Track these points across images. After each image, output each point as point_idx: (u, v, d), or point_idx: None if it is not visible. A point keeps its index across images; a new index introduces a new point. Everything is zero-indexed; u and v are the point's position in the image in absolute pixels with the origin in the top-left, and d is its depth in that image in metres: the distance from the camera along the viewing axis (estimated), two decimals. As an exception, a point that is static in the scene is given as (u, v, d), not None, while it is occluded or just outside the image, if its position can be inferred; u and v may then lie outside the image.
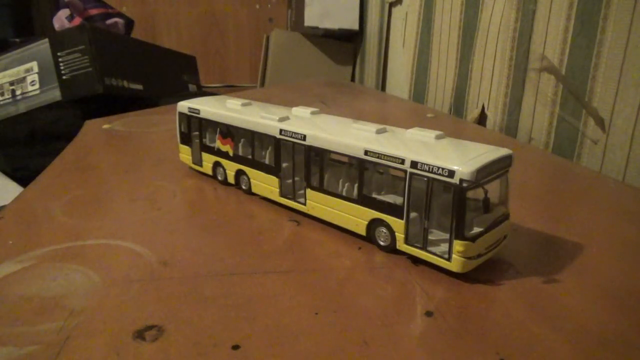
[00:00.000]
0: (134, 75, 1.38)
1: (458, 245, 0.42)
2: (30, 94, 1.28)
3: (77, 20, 1.66)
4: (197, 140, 0.68)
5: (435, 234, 0.45)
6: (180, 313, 0.39)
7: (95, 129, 0.99)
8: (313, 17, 1.78)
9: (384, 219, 0.47)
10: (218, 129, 0.64)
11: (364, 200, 0.49)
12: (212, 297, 0.41)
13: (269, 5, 2.50)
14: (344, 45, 1.96)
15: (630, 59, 0.72)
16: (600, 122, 0.78)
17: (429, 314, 0.39)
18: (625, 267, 0.47)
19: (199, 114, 0.66)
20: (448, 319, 0.38)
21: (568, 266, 0.46)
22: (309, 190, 0.54)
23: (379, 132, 0.51)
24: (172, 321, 0.38)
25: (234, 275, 0.44)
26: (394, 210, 0.46)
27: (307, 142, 0.53)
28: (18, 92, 1.29)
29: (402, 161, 0.45)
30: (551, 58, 0.88)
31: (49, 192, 0.65)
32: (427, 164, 0.43)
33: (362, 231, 0.50)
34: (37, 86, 1.28)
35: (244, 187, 0.63)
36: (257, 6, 2.50)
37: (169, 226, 0.54)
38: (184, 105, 0.68)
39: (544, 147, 0.90)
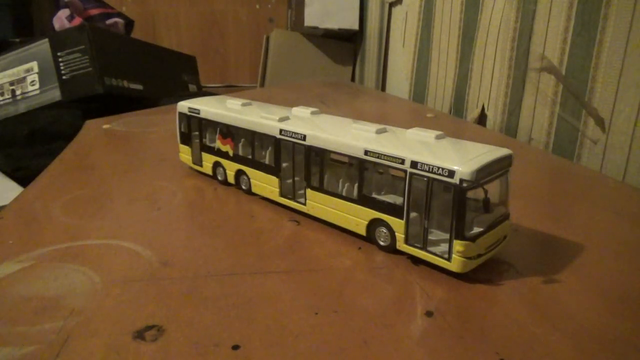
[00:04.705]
0: (134, 75, 1.38)
1: (458, 245, 0.42)
2: (30, 94, 1.28)
3: (77, 20, 1.66)
4: (197, 140, 0.68)
5: (435, 234, 0.45)
6: (180, 313, 0.39)
7: (95, 129, 0.99)
8: (313, 17, 1.78)
9: (384, 219, 0.47)
10: (218, 129, 0.64)
11: (364, 200, 0.49)
12: (212, 297, 0.41)
13: (269, 5, 2.50)
14: (344, 45, 1.96)
15: (630, 59, 0.72)
16: (600, 122, 0.78)
17: (429, 314, 0.39)
18: (625, 267, 0.47)
19: (199, 114, 0.66)
20: (448, 319, 0.38)
21: (568, 266, 0.46)
22: (309, 190, 0.54)
23: (379, 132, 0.51)
24: (172, 321, 0.38)
25: (234, 275, 0.44)
26: (394, 210, 0.46)
27: (307, 142, 0.53)
28: (18, 92, 1.29)
29: (402, 161, 0.45)
30: (551, 58, 0.88)
31: (49, 192, 0.65)
32: (427, 164, 0.43)
33: (362, 231, 0.50)
34: (37, 86, 1.28)
35: (244, 187, 0.63)
36: (257, 6, 2.49)
37: (169, 226, 0.54)
38: (184, 105, 0.68)
39: (544, 147, 0.90)
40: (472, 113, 1.12)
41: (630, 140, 0.73)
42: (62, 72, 1.27)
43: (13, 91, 1.29)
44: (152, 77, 1.48)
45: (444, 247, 0.44)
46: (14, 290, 0.42)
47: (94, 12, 1.72)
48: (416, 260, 0.47)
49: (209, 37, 2.50)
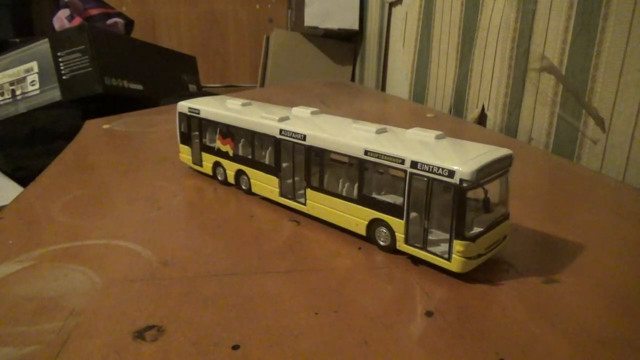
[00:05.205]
0: (134, 75, 1.38)
1: (458, 245, 0.42)
2: (30, 94, 1.28)
3: (77, 20, 1.66)
4: (197, 140, 0.68)
5: (435, 234, 0.45)
6: (180, 313, 0.39)
7: (95, 129, 0.99)
8: (313, 17, 1.78)
9: (384, 219, 0.47)
10: (218, 129, 0.64)
11: (364, 200, 0.49)
12: (212, 297, 0.41)
13: (269, 5, 2.50)
14: (344, 45, 1.96)
15: (630, 59, 0.72)
16: (600, 122, 0.78)
17: (429, 314, 0.39)
18: (625, 267, 0.47)
19: (199, 114, 0.66)
20: (448, 319, 0.38)
21: (568, 266, 0.46)
22: (309, 190, 0.54)
23: (379, 132, 0.51)
24: (172, 321, 0.38)
25: (234, 275, 0.44)
26: (394, 210, 0.46)
27: (307, 142, 0.53)
28: (18, 92, 1.29)
29: (402, 161, 0.45)
30: (551, 58, 0.88)
31: (49, 192, 0.65)
32: (427, 164, 0.43)
33: (362, 231, 0.50)
34: (37, 86, 1.28)
35: (244, 187, 0.63)
36: (257, 6, 2.50)
37: (169, 226, 0.54)
38: (184, 105, 0.68)
39: (544, 147, 0.90)
40: (472, 113, 1.12)
41: (630, 140, 0.73)
42: (62, 72, 1.27)
43: (13, 91, 1.29)
44: (152, 77, 1.48)
45: (444, 247, 0.44)
46: (14, 290, 0.42)
47: (94, 12, 1.72)
48: (416, 260, 0.47)
49: (209, 37, 2.50)
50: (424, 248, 0.45)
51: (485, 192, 0.43)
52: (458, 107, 1.21)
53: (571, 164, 0.80)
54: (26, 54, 1.30)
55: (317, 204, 0.54)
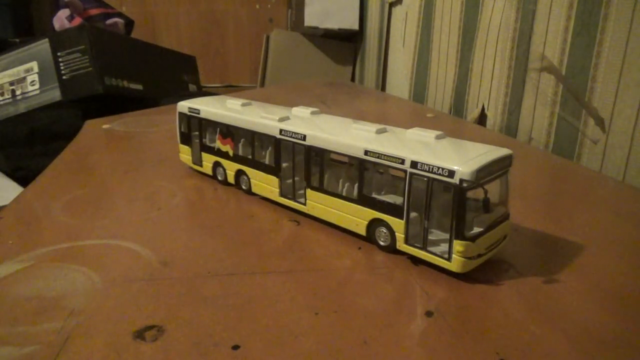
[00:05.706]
0: (134, 75, 1.38)
1: (458, 245, 0.42)
2: (30, 94, 1.28)
3: (77, 20, 1.66)
4: (197, 140, 0.68)
5: (435, 234, 0.45)
6: (180, 313, 0.39)
7: (95, 129, 0.99)
8: (313, 17, 1.78)
9: (384, 219, 0.47)
10: (218, 129, 0.64)
11: (364, 200, 0.49)
12: (212, 297, 0.41)
13: (269, 5, 2.50)
14: (344, 45, 1.96)
15: (630, 59, 0.72)
16: (600, 122, 0.78)
17: (429, 314, 0.39)
18: (625, 267, 0.47)
19: (199, 114, 0.66)
20: (448, 319, 0.38)
21: (568, 266, 0.46)
22: (309, 190, 0.54)
23: (379, 132, 0.51)
24: (172, 321, 0.38)
25: (234, 275, 0.44)
26: (394, 210, 0.46)
27: (307, 142, 0.53)
28: (18, 92, 1.29)
29: (402, 161, 0.45)
30: (551, 58, 0.88)
31: (49, 192, 0.65)
32: (427, 164, 0.43)
33: (362, 231, 0.50)
34: (37, 86, 1.28)
35: (244, 187, 0.63)
36: (257, 6, 2.50)
37: (169, 226, 0.54)
38: (184, 105, 0.68)
39: (544, 147, 0.90)
40: (472, 113, 1.12)
41: (630, 140, 0.73)
42: (62, 72, 1.27)
43: (13, 91, 1.29)
44: (152, 77, 1.48)
45: (444, 247, 0.44)
46: (14, 290, 0.42)
47: (94, 12, 1.72)
48: (416, 260, 0.47)
49: (209, 37, 2.50)
50: (424, 248, 0.45)
51: (485, 192, 0.43)
52: (458, 107, 1.21)
53: (571, 164, 0.80)
54: (26, 54, 1.30)
55: (317, 204, 0.54)
